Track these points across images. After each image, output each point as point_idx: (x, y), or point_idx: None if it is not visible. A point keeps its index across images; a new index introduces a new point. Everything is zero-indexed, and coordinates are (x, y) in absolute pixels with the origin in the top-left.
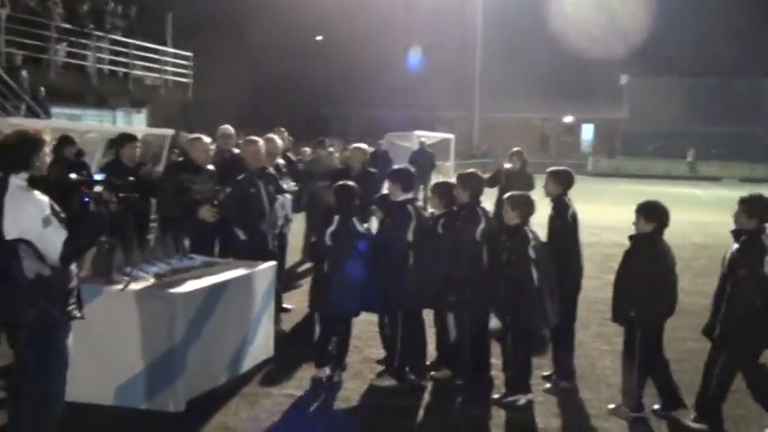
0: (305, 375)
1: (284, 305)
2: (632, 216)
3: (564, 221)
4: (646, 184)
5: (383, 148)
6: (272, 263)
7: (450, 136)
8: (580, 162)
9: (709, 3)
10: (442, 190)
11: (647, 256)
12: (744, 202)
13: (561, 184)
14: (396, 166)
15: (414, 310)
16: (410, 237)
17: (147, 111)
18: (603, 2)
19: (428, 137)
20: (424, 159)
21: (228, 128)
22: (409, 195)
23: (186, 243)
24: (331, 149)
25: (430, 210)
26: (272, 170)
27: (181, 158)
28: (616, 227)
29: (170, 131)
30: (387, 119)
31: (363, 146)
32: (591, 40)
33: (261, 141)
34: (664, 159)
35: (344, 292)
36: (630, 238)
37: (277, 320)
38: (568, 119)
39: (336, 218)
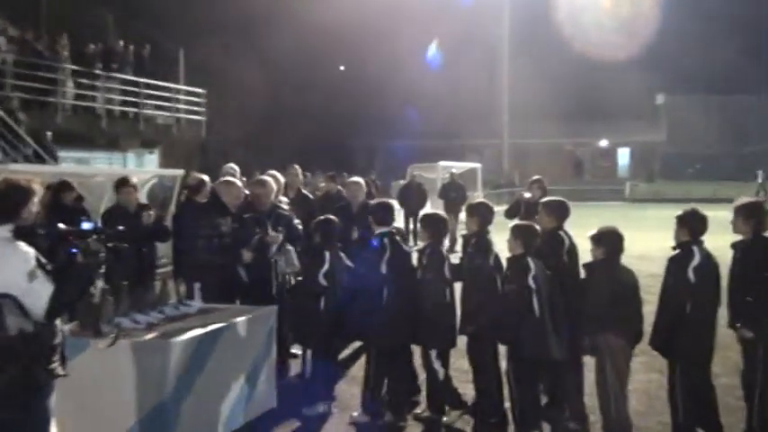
0: (311, 427)
1: (292, 350)
2: (670, 243)
3: (559, 260)
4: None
5: (417, 180)
6: (273, 307)
7: (477, 165)
8: (617, 188)
9: (743, 18)
10: (429, 221)
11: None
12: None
13: (555, 215)
14: (376, 201)
15: (388, 346)
16: (383, 269)
17: (159, 151)
18: (634, 20)
19: (455, 167)
20: (456, 192)
21: (232, 166)
22: (385, 228)
23: (197, 287)
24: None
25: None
26: (284, 209)
27: (204, 200)
28: (651, 255)
29: (180, 172)
30: (413, 149)
31: (359, 179)
32: (623, 59)
33: (271, 182)
34: (705, 182)
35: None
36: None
37: (284, 367)
38: (603, 143)
39: (327, 255)
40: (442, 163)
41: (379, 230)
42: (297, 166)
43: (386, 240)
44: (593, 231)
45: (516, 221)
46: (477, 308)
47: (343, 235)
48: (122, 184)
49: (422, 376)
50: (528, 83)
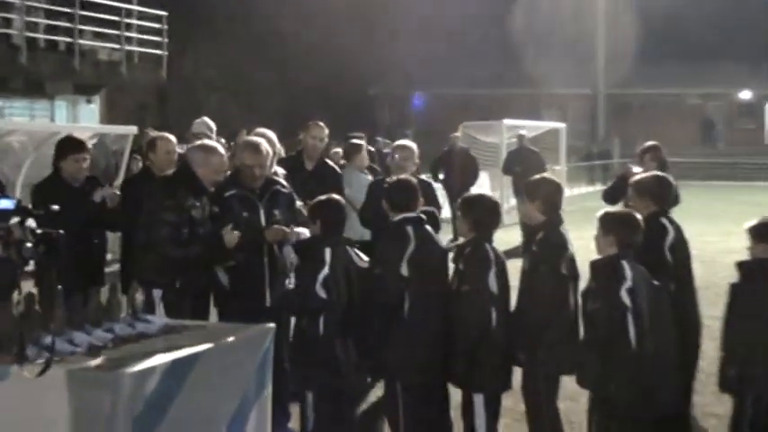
0: None
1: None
2: None
3: (659, 254)
4: None
5: (460, 145)
6: (268, 326)
7: (560, 125)
8: (764, 161)
9: None
10: (470, 205)
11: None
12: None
13: (653, 197)
14: (426, 178)
15: (414, 381)
16: (404, 270)
17: (101, 99)
18: None
19: (526, 127)
20: (527, 162)
21: (206, 122)
22: (409, 214)
23: (158, 295)
24: (384, 149)
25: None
26: (283, 184)
27: (168, 170)
28: None
29: (131, 129)
30: (461, 100)
31: (408, 143)
32: None
33: (266, 145)
34: None
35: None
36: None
37: (283, 413)
38: (745, 95)
39: (328, 254)
40: (508, 122)
41: (396, 217)
42: (322, 125)
43: (409, 229)
44: (753, 222)
45: (607, 209)
46: (541, 333)
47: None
48: (73, 148)
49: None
50: (632, 10)
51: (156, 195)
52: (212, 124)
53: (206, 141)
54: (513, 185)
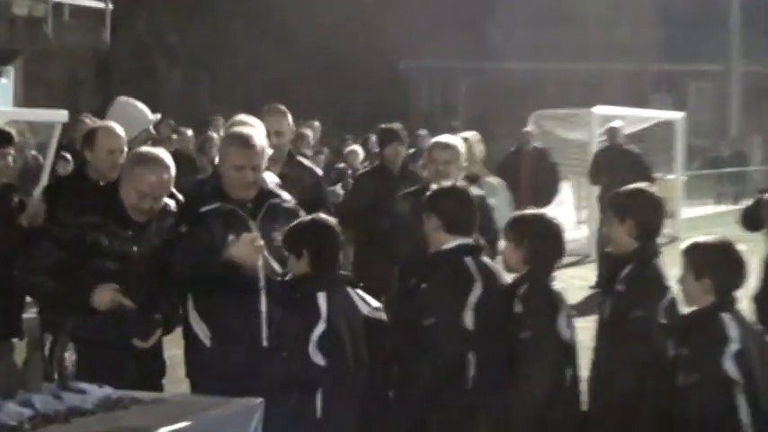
0: None
1: None
2: None
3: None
4: None
5: (534, 144)
6: (255, 401)
7: (676, 116)
8: None
9: None
10: (523, 231)
11: None
12: None
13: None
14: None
15: None
16: (469, 322)
17: (15, 72)
18: None
19: (626, 119)
20: (620, 167)
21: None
22: (466, 240)
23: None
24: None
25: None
26: (283, 196)
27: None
28: None
29: (60, 116)
30: (531, 78)
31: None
32: None
33: (256, 136)
34: None
35: None
36: None
37: None
38: None
39: (322, 302)
40: (600, 109)
41: (449, 244)
42: (280, 109)
43: (469, 263)
44: None
45: (697, 240)
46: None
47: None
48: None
49: None
50: None
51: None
52: (149, 114)
53: (147, 149)
54: (600, 201)
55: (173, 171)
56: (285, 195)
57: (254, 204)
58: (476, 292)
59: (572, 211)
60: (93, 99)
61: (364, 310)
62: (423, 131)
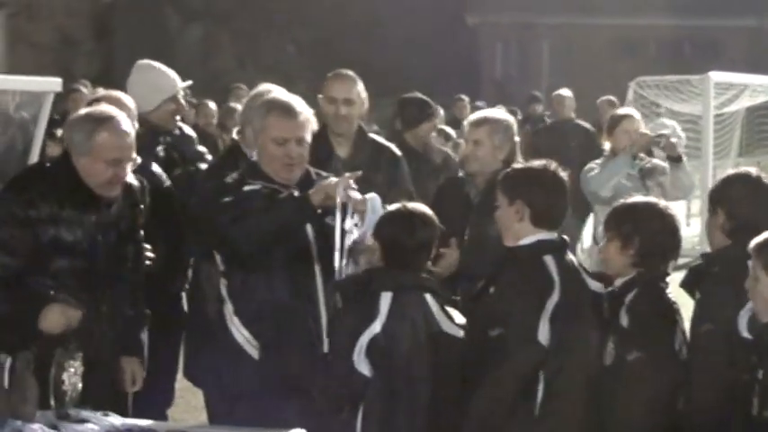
0: None
1: None
2: None
3: None
4: None
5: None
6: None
7: None
8: None
9: None
10: (632, 224)
11: None
12: None
13: None
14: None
15: None
16: (543, 336)
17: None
18: None
19: (747, 87)
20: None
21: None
22: (549, 235)
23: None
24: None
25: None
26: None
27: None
28: None
29: (52, 84)
30: (628, 35)
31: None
32: None
33: (298, 105)
34: None
35: None
36: None
37: None
38: None
39: (385, 300)
40: (718, 75)
41: (528, 238)
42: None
43: (549, 262)
44: None
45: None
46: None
47: None
48: None
49: None
50: None
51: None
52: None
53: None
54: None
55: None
56: (328, 175)
57: (300, 186)
58: (554, 298)
59: (680, 203)
60: (91, 64)
61: (443, 325)
62: (480, 103)
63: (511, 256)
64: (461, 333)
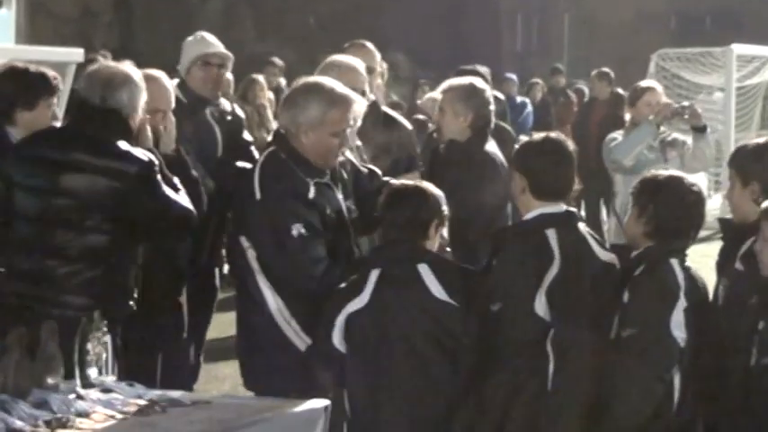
0: None
1: None
2: None
3: None
4: None
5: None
6: (320, 403)
7: None
8: None
9: None
10: (650, 196)
11: None
12: None
13: None
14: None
15: None
16: (540, 309)
17: (18, 1)
18: None
19: None
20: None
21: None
22: (555, 207)
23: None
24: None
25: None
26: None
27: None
28: None
29: (74, 55)
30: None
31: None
32: None
33: (352, 96)
34: None
35: None
36: None
37: None
38: None
39: (373, 277)
40: (739, 49)
41: (532, 212)
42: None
43: (551, 236)
44: None
45: None
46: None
47: None
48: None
49: None
50: None
51: None
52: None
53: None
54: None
55: None
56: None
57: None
58: (552, 272)
59: (703, 177)
60: (111, 35)
61: (437, 293)
62: (510, 75)
63: (513, 231)
64: (456, 300)
